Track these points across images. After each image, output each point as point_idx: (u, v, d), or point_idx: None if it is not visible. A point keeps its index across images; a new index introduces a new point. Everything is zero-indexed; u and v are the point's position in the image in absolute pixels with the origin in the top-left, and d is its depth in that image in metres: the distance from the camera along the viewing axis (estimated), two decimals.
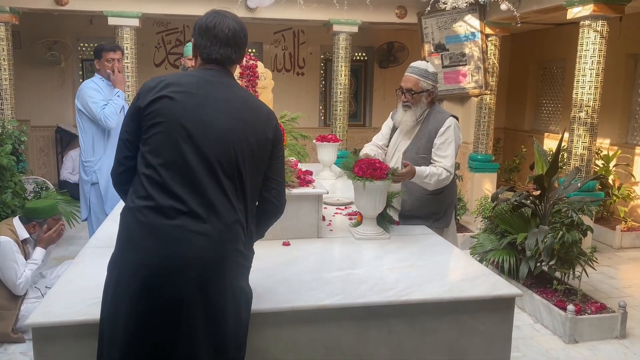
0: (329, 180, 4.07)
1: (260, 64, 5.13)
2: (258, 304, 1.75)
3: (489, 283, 2.04)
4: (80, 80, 8.09)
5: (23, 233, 3.17)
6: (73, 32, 7.76)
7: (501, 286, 2.02)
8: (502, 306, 1.99)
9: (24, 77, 7.32)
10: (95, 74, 3.92)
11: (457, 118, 2.90)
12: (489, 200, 4.76)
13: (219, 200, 1.57)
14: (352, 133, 8.00)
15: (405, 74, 2.89)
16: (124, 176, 1.68)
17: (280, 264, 2.16)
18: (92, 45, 8.07)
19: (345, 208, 3.14)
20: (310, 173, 2.79)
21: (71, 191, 6.54)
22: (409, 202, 2.86)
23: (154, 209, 1.53)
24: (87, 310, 1.68)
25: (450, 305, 1.92)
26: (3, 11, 5.66)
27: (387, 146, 3.09)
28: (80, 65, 8.11)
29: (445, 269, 2.24)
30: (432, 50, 6.48)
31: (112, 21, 5.97)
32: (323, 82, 8.90)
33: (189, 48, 5.05)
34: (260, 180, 1.73)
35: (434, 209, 2.87)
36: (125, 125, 1.67)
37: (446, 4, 4.61)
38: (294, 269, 2.11)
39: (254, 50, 8.45)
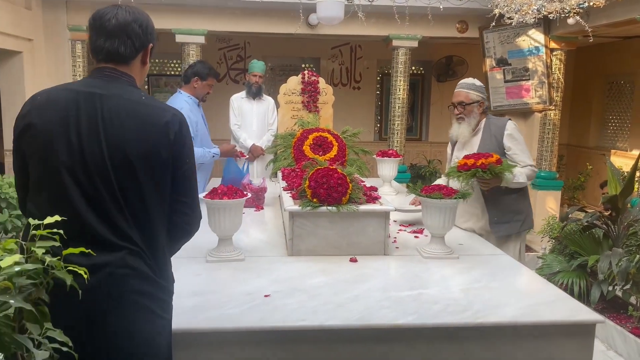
0: (389, 196, 4.04)
1: (321, 80, 5.22)
2: (329, 320, 1.77)
3: (567, 307, 1.97)
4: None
5: None
6: None
7: (580, 311, 1.94)
8: (582, 332, 1.91)
9: None
10: (180, 90, 3.87)
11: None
12: (557, 219, 4.60)
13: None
14: (409, 147, 7.94)
15: (455, 90, 3.10)
16: None
17: (349, 280, 2.17)
18: (158, 60, 8.43)
19: (409, 225, 3.11)
20: (375, 189, 2.79)
21: None
22: (494, 208, 2.97)
23: None
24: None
25: (526, 329, 1.86)
26: (80, 30, 6.01)
27: None
28: (146, 80, 8.47)
29: (520, 291, 2.18)
30: (494, 64, 6.36)
31: (179, 38, 6.22)
32: (379, 96, 8.91)
33: (253, 65, 5.19)
34: (162, 202, 1.53)
35: (519, 207, 3.01)
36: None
37: (512, 19, 4.53)
38: (363, 286, 2.11)
39: (311, 66, 8.57)
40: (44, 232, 0.98)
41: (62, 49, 6.01)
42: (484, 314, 1.87)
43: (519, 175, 2.84)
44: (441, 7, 5.38)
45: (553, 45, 6.01)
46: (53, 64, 6.06)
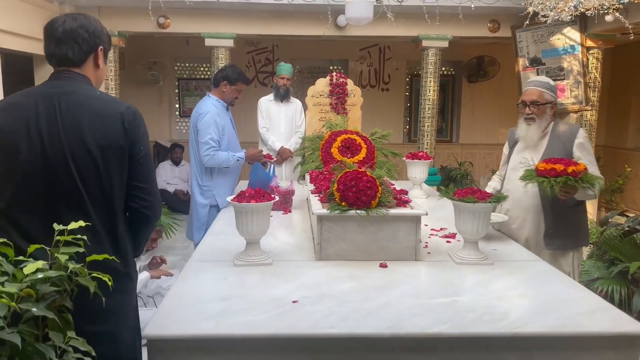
0: (419, 199, 3.96)
1: (349, 82, 5.17)
2: (358, 328, 1.71)
3: (610, 318, 1.87)
4: (177, 98, 8.56)
5: None
6: (171, 53, 8.23)
7: (625, 322, 1.84)
8: (626, 345, 1.80)
9: (127, 96, 7.85)
10: (209, 94, 3.88)
11: None
12: (595, 223, 4.43)
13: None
14: (439, 149, 7.81)
15: (528, 87, 2.90)
16: None
17: (380, 286, 2.11)
18: (188, 64, 8.52)
19: (441, 229, 3.03)
20: (406, 192, 2.73)
21: (168, 201, 6.91)
22: (552, 219, 2.80)
23: None
24: (198, 324, 1.72)
25: (567, 340, 1.77)
26: (112, 35, 6.11)
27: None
28: (177, 84, 8.57)
29: (559, 299, 2.08)
30: (527, 64, 6.20)
31: (208, 42, 6.26)
32: (408, 98, 8.80)
33: (281, 67, 5.18)
34: (122, 191, 1.66)
35: (578, 221, 2.84)
36: None
37: (547, 17, 4.40)
38: (394, 292, 2.05)
39: (339, 67, 8.53)
40: (69, 238, 0.96)
41: None
42: (521, 324, 1.79)
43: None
44: (472, 6, 5.27)
45: (589, 43, 5.81)
46: None
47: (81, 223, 1.01)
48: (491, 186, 3.14)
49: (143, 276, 3.31)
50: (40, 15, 5.14)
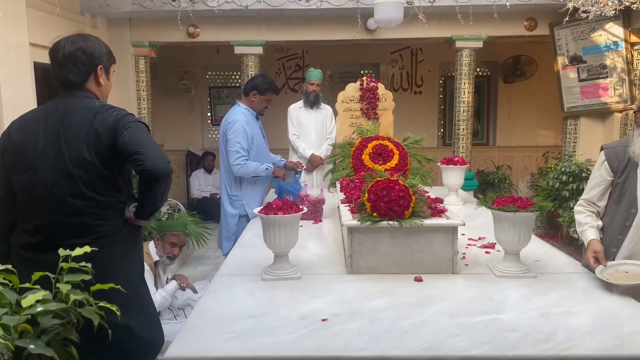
0: (455, 206, 3.81)
1: (380, 86, 5.05)
2: (392, 350, 1.60)
3: None
4: (208, 107, 8.61)
5: (155, 255, 3.32)
6: (201, 62, 8.28)
7: None
8: None
9: (159, 106, 7.94)
10: (239, 102, 3.83)
11: None
12: None
13: None
14: (475, 152, 7.59)
15: None
16: None
17: (414, 303, 1.98)
18: (219, 73, 8.56)
19: (479, 239, 2.88)
20: (441, 201, 2.60)
21: (201, 206, 6.92)
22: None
23: None
24: (222, 345, 1.64)
25: None
26: (143, 46, 6.18)
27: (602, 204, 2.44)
28: (208, 92, 8.62)
29: (611, 317, 1.91)
30: (567, 62, 5.95)
31: (238, 50, 6.25)
32: (442, 100, 8.61)
33: (310, 73, 5.11)
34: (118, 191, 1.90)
35: None
36: None
37: (588, 12, 4.18)
38: (430, 310, 1.92)
39: (370, 71, 8.41)
40: (75, 265, 0.89)
41: (126, 64, 6.18)
42: (570, 345, 1.64)
43: None
44: (508, 4, 5.08)
45: (634, 39, 5.52)
46: (117, 79, 6.23)
47: (86, 249, 0.94)
48: (587, 223, 2.39)
49: (171, 286, 3.26)
50: (73, 28, 5.21)
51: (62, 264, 0.90)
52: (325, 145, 5.09)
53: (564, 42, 5.94)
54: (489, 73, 8.58)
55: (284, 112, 5.18)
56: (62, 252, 0.92)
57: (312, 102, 5.06)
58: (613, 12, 4.16)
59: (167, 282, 3.33)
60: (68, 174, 1.81)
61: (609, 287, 2.11)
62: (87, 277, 0.92)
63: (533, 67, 8.07)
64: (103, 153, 1.82)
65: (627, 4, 4.05)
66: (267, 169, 3.74)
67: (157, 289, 3.22)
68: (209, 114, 8.69)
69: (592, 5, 4.09)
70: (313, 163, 4.96)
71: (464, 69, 6.32)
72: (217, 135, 8.66)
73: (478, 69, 8.36)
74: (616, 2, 3.95)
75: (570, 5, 4.25)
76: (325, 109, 5.19)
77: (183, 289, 3.31)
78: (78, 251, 0.90)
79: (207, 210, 7.03)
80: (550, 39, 6.08)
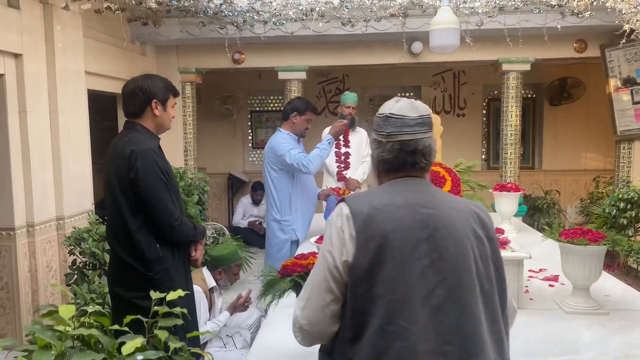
0: (509, 235, 3.67)
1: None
2: None
3: None
4: (249, 130, 8.70)
5: (211, 281, 3.31)
6: (244, 87, 8.39)
7: None
8: None
9: (203, 129, 8.06)
10: (280, 128, 3.84)
11: None
12: None
13: None
14: (521, 176, 7.38)
15: None
16: None
17: None
18: (260, 97, 8.66)
19: (540, 270, 2.75)
20: (502, 231, 2.50)
21: (243, 236, 6.92)
22: None
23: None
24: None
25: None
26: (190, 72, 6.31)
27: None
28: (249, 116, 8.72)
29: None
30: (620, 85, 5.75)
31: (281, 75, 6.31)
32: (486, 123, 8.45)
33: (345, 97, 5.09)
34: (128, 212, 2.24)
35: None
36: None
37: None
38: None
39: (412, 94, 8.34)
40: (170, 310, 0.85)
41: None
42: None
43: None
44: (559, 26, 4.96)
45: None
46: None
47: (180, 292, 0.91)
48: None
49: (223, 317, 3.24)
50: (124, 56, 5.38)
51: (156, 307, 0.87)
52: (362, 168, 5.04)
53: (616, 64, 5.75)
54: (534, 95, 8.39)
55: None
56: (153, 295, 0.89)
57: (348, 126, 5.01)
58: None
59: (220, 312, 3.31)
60: None
61: None
62: (180, 322, 0.89)
63: (580, 89, 7.84)
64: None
65: None
66: (329, 142, 3.74)
67: (210, 316, 3.20)
68: (249, 137, 8.77)
69: None
70: (350, 187, 4.90)
71: (510, 91, 6.18)
72: (258, 159, 8.72)
73: (523, 91, 8.19)
74: None
75: (627, 27, 4.11)
76: (361, 132, 5.16)
77: (245, 307, 3.34)
78: (172, 295, 0.87)
79: (244, 235, 6.99)
80: (599, 61, 5.90)
